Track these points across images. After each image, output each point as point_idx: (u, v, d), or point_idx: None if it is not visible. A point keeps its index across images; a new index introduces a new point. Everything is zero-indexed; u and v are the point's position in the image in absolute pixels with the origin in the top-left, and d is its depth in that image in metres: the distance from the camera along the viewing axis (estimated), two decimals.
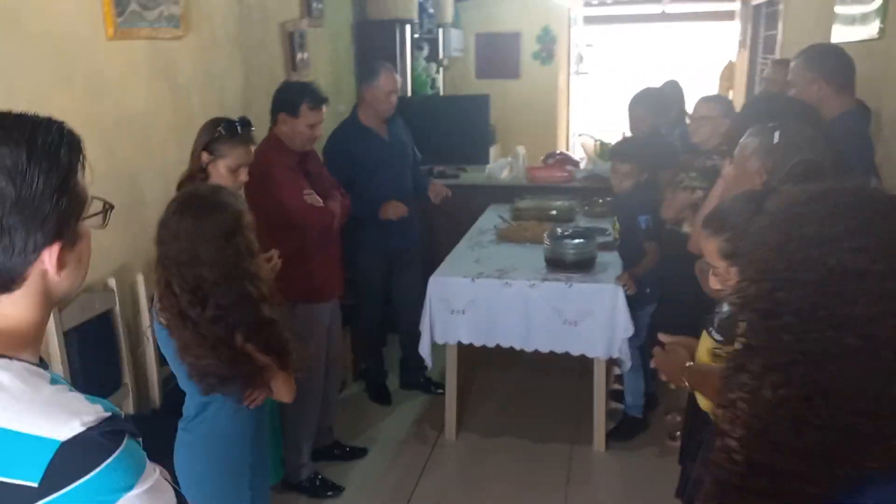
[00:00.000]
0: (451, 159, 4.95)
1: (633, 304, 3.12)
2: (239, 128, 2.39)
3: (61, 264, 0.90)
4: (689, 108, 4.00)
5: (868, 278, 0.72)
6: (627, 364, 3.10)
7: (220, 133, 2.38)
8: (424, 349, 3.25)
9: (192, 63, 3.06)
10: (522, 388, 3.94)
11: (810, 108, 2.13)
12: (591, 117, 9.00)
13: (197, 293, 1.74)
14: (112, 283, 2.62)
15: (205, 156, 2.35)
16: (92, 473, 0.80)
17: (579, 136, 8.16)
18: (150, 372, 2.80)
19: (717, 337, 1.68)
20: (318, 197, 2.87)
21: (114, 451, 0.82)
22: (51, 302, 0.93)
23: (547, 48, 7.27)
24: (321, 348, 3.00)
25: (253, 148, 2.47)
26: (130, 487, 0.83)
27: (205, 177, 2.36)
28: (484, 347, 3.30)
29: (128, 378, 2.68)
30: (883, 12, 3.08)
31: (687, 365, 1.73)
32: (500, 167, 4.81)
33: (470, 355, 3.48)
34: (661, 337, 1.88)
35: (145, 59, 2.77)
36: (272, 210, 2.82)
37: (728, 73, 7.85)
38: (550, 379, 3.97)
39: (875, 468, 0.74)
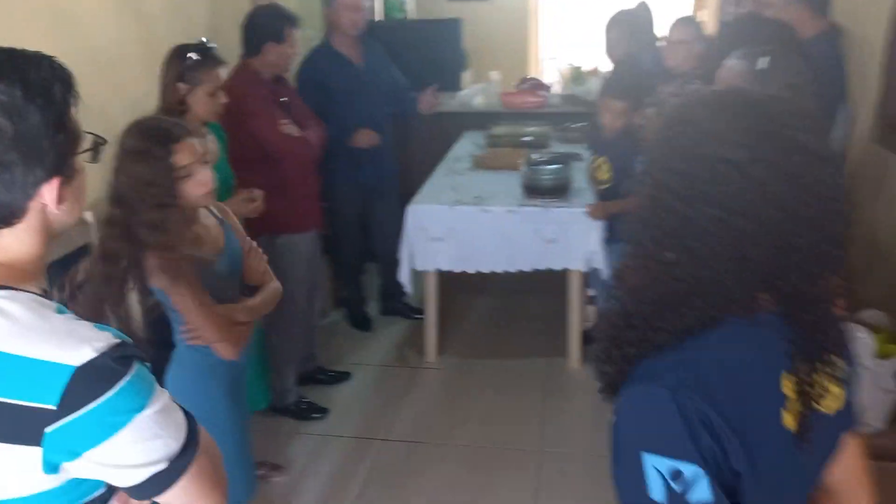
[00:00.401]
0: (422, 86, 4.88)
1: (606, 238, 3.12)
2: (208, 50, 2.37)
3: (60, 199, 0.93)
4: (658, 31, 4.01)
5: (736, 165, 0.86)
6: (605, 272, 3.14)
7: (192, 59, 2.35)
8: (404, 276, 3.31)
9: None
10: (499, 311, 4.05)
11: (791, 30, 2.15)
12: (562, 41, 8.88)
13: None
14: (88, 216, 2.61)
15: (182, 87, 2.33)
16: (106, 396, 0.86)
17: (551, 60, 8.09)
18: (131, 301, 2.82)
19: None
20: (294, 127, 2.86)
21: (125, 375, 0.88)
22: (51, 235, 0.97)
23: None
24: (304, 278, 3.05)
25: (223, 69, 2.45)
26: (142, 408, 0.89)
27: (184, 108, 2.35)
28: (462, 274, 3.37)
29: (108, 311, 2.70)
30: None
31: None
32: (473, 93, 4.78)
33: (448, 281, 3.55)
34: None
35: None
36: (248, 143, 2.82)
37: None
38: (526, 301, 4.08)
39: (733, 313, 0.91)
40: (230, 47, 3.41)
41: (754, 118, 0.88)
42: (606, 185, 3.09)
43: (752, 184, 0.85)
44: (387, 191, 3.84)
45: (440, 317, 3.56)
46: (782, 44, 2.06)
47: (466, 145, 4.23)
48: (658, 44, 3.90)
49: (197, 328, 1.83)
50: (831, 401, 0.98)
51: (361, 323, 3.95)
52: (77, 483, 0.91)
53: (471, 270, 3.28)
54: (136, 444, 0.89)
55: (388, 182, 3.82)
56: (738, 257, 0.87)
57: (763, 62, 1.77)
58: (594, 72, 5.28)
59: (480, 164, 3.76)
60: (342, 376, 3.46)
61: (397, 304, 4.03)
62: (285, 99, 2.93)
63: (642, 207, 0.96)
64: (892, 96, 2.63)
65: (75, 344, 0.86)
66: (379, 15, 5.15)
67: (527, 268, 3.22)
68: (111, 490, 0.96)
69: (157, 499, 0.94)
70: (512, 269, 3.24)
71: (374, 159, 3.65)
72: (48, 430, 0.84)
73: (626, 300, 0.98)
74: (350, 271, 3.95)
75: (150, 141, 1.71)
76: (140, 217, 1.68)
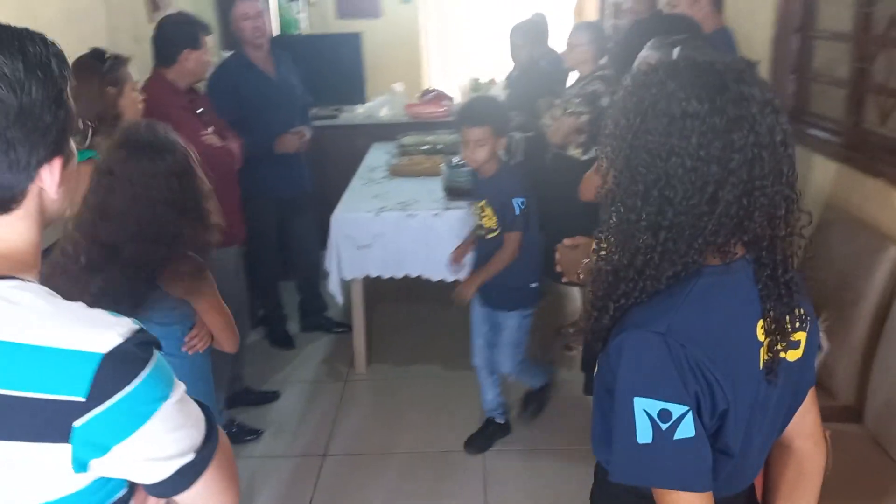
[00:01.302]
0: (325, 100, 4.85)
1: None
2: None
3: (60, 181, 0.88)
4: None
5: (699, 118, 0.95)
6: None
7: (112, 60, 2.26)
8: (334, 286, 3.26)
9: (48, 5, 2.81)
10: (425, 319, 4.06)
11: (696, 24, 2.31)
12: (448, 56, 9.07)
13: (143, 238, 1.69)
14: None
15: (112, 91, 2.22)
16: (133, 384, 0.81)
17: (437, 72, 8.25)
18: None
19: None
20: (215, 137, 2.77)
21: (148, 362, 0.83)
22: (45, 223, 0.90)
23: None
24: (232, 295, 2.93)
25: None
26: (166, 397, 0.84)
27: (117, 113, 2.24)
28: (383, 283, 3.37)
29: None
30: None
31: (584, 262, 1.90)
32: (378, 105, 4.80)
33: (369, 292, 3.52)
34: (566, 241, 2.03)
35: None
36: None
37: (579, 7, 8.17)
38: (452, 308, 4.09)
39: (711, 264, 1.01)
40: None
41: (707, 76, 0.98)
42: (494, 234, 2.70)
43: (716, 133, 0.95)
44: (303, 205, 3.78)
45: (365, 328, 3.52)
46: (689, 34, 2.21)
47: (378, 155, 4.24)
48: (556, 48, 4.11)
49: (219, 330, 1.89)
50: (794, 349, 1.09)
51: (283, 341, 3.85)
52: (103, 483, 0.85)
53: (399, 275, 3.28)
54: (165, 435, 0.84)
55: (304, 196, 3.77)
56: (711, 200, 0.96)
57: (675, 52, 1.89)
58: (492, 82, 5.44)
59: (397, 171, 3.78)
60: (271, 396, 3.35)
61: (318, 318, 3.96)
62: (202, 109, 2.84)
63: (615, 170, 1.04)
64: (780, 92, 2.87)
65: (100, 330, 0.81)
66: (275, 31, 5.08)
67: (449, 277, 3.22)
68: (131, 490, 0.90)
69: (181, 496, 0.89)
70: (434, 277, 3.25)
71: (291, 176, 3.59)
72: (77, 423, 0.78)
73: (614, 258, 1.06)
74: (268, 288, 3.84)
75: (166, 149, 1.72)
76: (176, 222, 1.71)
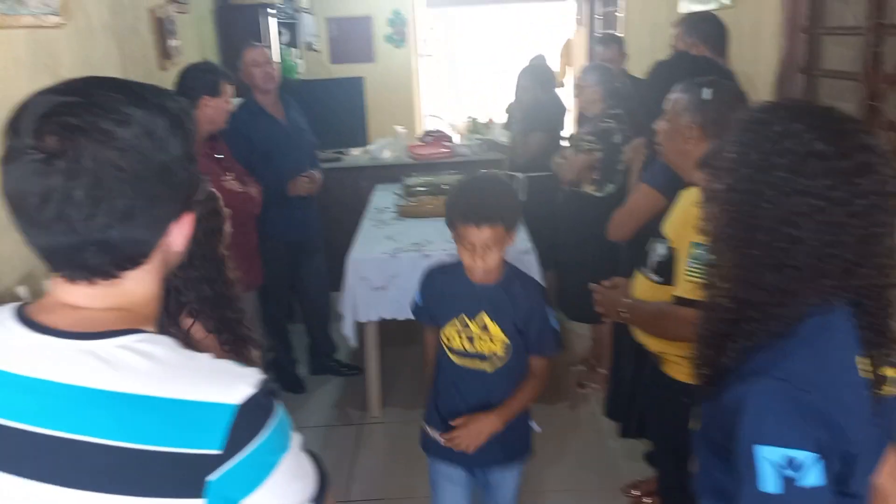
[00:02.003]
0: (328, 143, 4.90)
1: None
2: None
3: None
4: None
5: (826, 159, 0.96)
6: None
7: None
8: (348, 329, 3.25)
9: (72, 53, 2.84)
10: None
11: (717, 63, 2.37)
12: (439, 98, 9.21)
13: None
14: (21, 291, 2.40)
15: None
16: (264, 434, 0.81)
17: (430, 116, 8.37)
18: None
19: (655, 278, 1.87)
20: (236, 182, 2.79)
21: (273, 411, 0.83)
22: (165, 275, 0.91)
23: (398, 31, 7.36)
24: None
25: None
26: (288, 447, 0.84)
27: None
28: (393, 324, 3.37)
29: None
30: None
31: (626, 301, 1.92)
32: (380, 147, 4.85)
33: (381, 333, 3.51)
34: (604, 283, 2.05)
35: (27, 49, 2.54)
36: None
37: (566, 52, 8.36)
38: None
39: (817, 303, 1.01)
40: None
41: (830, 121, 1.00)
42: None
43: (842, 176, 0.96)
44: (313, 248, 3.79)
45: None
46: (714, 74, 2.27)
47: (384, 197, 4.27)
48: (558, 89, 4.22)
49: None
50: (890, 385, 1.09)
51: (293, 385, 3.82)
52: None
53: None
54: (288, 486, 0.84)
55: (314, 239, 3.78)
56: (834, 243, 0.97)
57: (707, 93, 1.94)
58: (490, 123, 5.52)
59: (406, 212, 3.81)
60: None
61: (327, 361, 3.94)
62: (221, 156, 2.86)
63: (729, 205, 1.04)
64: None
65: (231, 381, 0.81)
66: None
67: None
68: None
69: None
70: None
71: (302, 219, 3.61)
72: (211, 477, 0.78)
73: (733, 297, 1.04)
74: (279, 332, 3.82)
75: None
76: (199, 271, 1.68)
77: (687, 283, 1.68)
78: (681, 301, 1.73)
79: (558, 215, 3.73)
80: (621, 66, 3.74)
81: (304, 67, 6.20)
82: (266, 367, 3.87)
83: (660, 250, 1.88)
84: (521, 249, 3.22)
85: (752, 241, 1.01)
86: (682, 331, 1.70)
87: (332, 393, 3.79)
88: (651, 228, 2.40)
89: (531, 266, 3.20)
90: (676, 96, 1.97)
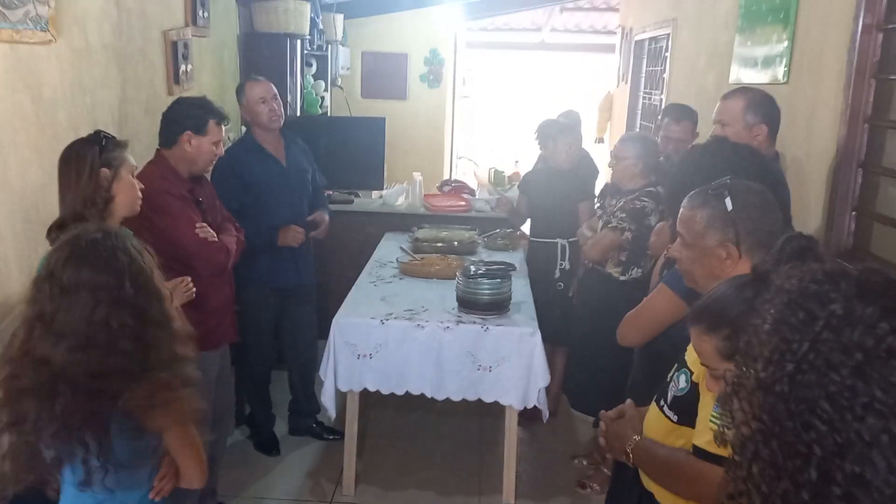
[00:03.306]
0: (342, 184, 4.67)
1: None
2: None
3: None
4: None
5: None
6: (545, 414, 2.97)
7: (109, 140, 2.06)
8: (327, 398, 2.96)
9: (60, 73, 2.63)
10: (423, 432, 3.72)
11: (756, 154, 2.07)
12: (472, 142, 9.00)
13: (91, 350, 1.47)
14: None
15: (106, 172, 2.00)
16: None
17: (459, 158, 8.14)
18: None
19: (673, 416, 1.55)
20: (211, 231, 2.54)
21: None
22: None
23: (435, 71, 7.16)
24: (209, 404, 2.65)
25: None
26: None
27: (109, 197, 2.02)
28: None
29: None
30: (788, 56, 3.17)
31: (634, 439, 1.60)
32: (395, 194, 4.60)
33: (363, 396, 3.21)
34: (609, 413, 1.74)
35: (4, 67, 2.33)
36: (159, 245, 2.45)
37: (607, 105, 8.10)
38: (453, 422, 3.78)
39: None
40: (139, 137, 3.09)
41: None
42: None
43: None
44: (304, 297, 3.52)
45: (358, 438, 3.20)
46: (744, 170, 1.97)
47: (390, 248, 4.00)
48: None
49: (187, 465, 1.66)
50: None
51: (268, 445, 3.51)
52: None
53: (400, 392, 2.98)
54: None
55: (305, 288, 3.51)
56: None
57: (729, 203, 1.63)
58: (516, 176, 5.25)
59: (408, 271, 3.52)
60: None
61: (308, 422, 3.64)
62: (201, 199, 2.62)
63: (766, 414, 0.74)
64: (837, 230, 2.62)
65: None
66: (298, 111, 4.94)
67: (457, 397, 2.95)
68: None
69: None
70: (439, 397, 2.96)
71: (294, 265, 3.35)
72: None
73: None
74: (258, 385, 3.54)
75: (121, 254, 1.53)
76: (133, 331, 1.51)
77: (710, 432, 1.36)
78: (701, 453, 1.41)
79: (569, 289, 3.42)
80: (687, 145, 3.28)
81: (331, 101, 6.00)
82: (240, 421, 3.60)
83: (681, 382, 1.57)
84: (526, 331, 2.91)
85: (796, 475, 0.71)
86: (700, 489, 1.39)
87: (308, 459, 3.48)
88: (673, 337, 2.09)
89: (534, 351, 2.89)
90: (689, 213, 1.67)
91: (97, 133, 2.07)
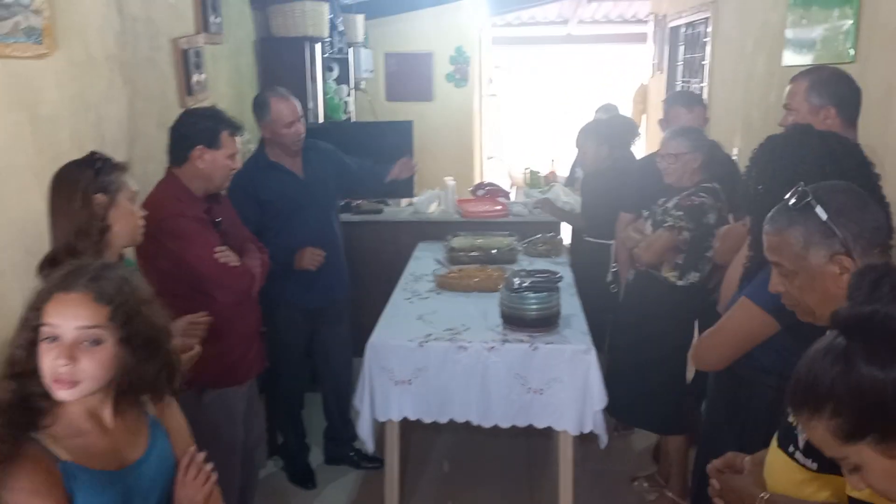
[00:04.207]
0: (370, 193, 4.41)
1: None
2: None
3: None
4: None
5: None
6: (604, 440, 2.69)
7: (105, 162, 1.82)
8: (365, 430, 2.70)
9: (59, 87, 2.41)
10: (468, 454, 3.46)
11: (851, 144, 1.78)
12: (502, 142, 8.71)
13: None
14: None
15: (100, 198, 1.77)
16: None
17: (489, 159, 7.86)
18: None
19: (811, 465, 1.26)
20: (232, 254, 2.30)
21: None
22: None
23: (461, 69, 6.90)
24: (235, 443, 2.42)
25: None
26: None
27: (104, 227, 1.78)
28: None
29: None
30: (854, 33, 2.85)
31: (763, 497, 1.31)
32: (427, 201, 4.34)
33: (402, 428, 2.95)
34: (714, 465, 1.46)
35: None
36: (175, 272, 2.24)
37: (640, 96, 7.76)
38: (500, 443, 3.51)
39: None
40: (151, 153, 2.88)
41: None
42: None
43: None
44: (336, 316, 3.28)
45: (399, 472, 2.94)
46: (836, 162, 1.69)
47: (424, 260, 3.74)
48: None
49: None
50: None
51: (302, 478, 3.28)
52: None
53: (443, 420, 2.72)
54: None
55: (338, 306, 3.27)
56: None
57: (821, 212, 1.35)
58: (552, 175, 4.96)
59: (445, 285, 3.26)
60: None
61: (346, 450, 3.40)
62: (220, 220, 2.38)
63: None
64: None
65: None
66: (320, 117, 4.70)
67: (506, 423, 2.68)
68: None
69: None
70: (486, 424, 2.69)
71: (325, 284, 3.11)
72: None
73: None
74: (290, 413, 3.30)
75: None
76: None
77: None
78: None
79: (626, 297, 3.13)
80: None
81: (354, 106, 5.77)
82: (273, 451, 3.37)
83: None
84: (579, 348, 2.63)
85: None
86: None
87: (347, 490, 3.24)
88: (759, 359, 1.80)
89: (589, 370, 2.61)
90: (782, 237, 1.39)
91: (91, 155, 1.84)
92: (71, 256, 1.68)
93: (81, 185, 1.74)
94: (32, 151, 2.27)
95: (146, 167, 2.81)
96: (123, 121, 2.85)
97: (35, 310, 1.29)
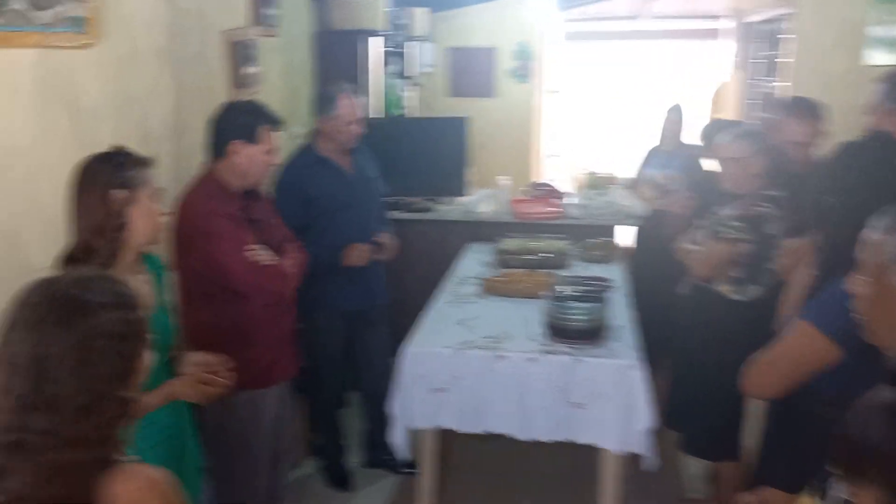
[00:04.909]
0: (420, 190, 4.35)
1: None
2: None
3: None
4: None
5: None
6: (651, 462, 2.53)
7: (125, 157, 1.76)
8: (398, 436, 2.62)
9: (101, 80, 2.41)
10: (509, 465, 3.34)
11: None
12: (564, 140, 8.50)
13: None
14: None
15: (119, 194, 1.71)
16: None
17: (549, 157, 7.66)
18: None
19: None
20: (265, 254, 2.24)
21: None
22: None
23: (524, 65, 6.74)
24: (266, 444, 2.37)
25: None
26: None
27: (120, 224, 1.72)
28: None
29: None
30: None
31: None
32: (479, 200, 4.22)
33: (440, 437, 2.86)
34: (746, 500, 1.32)
35: (32, 75, 2.11)
36: (204, 272, 2.19)
37: (718, 98, 7.42)
38: (542, 452, 3.36)
39: None
40: (199, 149, 2.86)
41: None
42: None
43: None
44: (376, 318, 3.21)
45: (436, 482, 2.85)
46: None
47: (472, 262, 3.62)
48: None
49: None
50: None
51: (339, 479, 3.22)
52: None
53: (479, 431, 2.61)
54: None
55: (377, 308, 3.20)
56: None
57: None
58: (611, 178, 4.78)
59: (491, 290, 3.14)
60: None
61: (383, 454, 3.32)
62: (257, 218, 2.32)
63: None
64: None
65: None
66: (377, 112, 4.64)
67: (545, 437, 2.55)
68: None
69: None
70: (524, 437, 2.57)
71: (362, 281, 3.04)
72: None
73: None
74: (328, 414, 3.25)
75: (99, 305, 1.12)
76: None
77: None
78: None
79: (677, 307, 2.94)
80: (809, 148, 2.67)
81: (414, 101, 5.69)
82: (310, 451, 3.32)
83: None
84: (626, 363, 2.47)
85: None
86: None
87: (383, 495, 3.17)
88: (819, 392, 1.63)
89: (635, 387, 2.45)
90: (881, 239, 1.22)
91: (114, 149, 1.79)
92: (87, 254, 1.64)
93: (100, 179, 1.69)
94: (72, 147, 2.25)
95: (192, 162, 2.79)
96: (169, 115, 2.84)
97: None
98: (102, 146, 2.33)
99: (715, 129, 3.18)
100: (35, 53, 2.10)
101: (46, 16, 2.10)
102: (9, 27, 1.98)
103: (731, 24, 6.59)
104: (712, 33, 7.63)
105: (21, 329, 1.09)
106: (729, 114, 6.78)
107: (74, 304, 1.10)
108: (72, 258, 1.65)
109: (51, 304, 1.10)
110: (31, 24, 2.05)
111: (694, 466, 3.24)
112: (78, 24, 2.24)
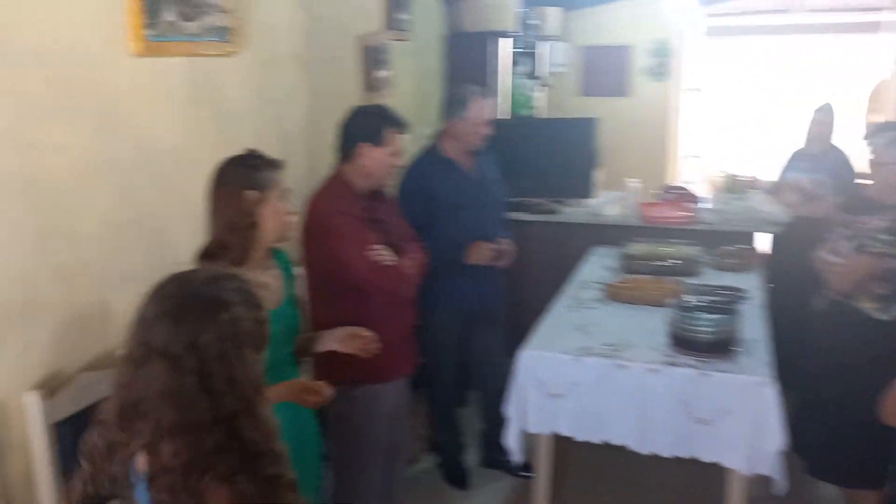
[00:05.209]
0: (547, 191, 4.30)
1: None
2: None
3: None
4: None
5: None
6: (782, 486, 2.37)
7: (259, 159, 1.87)
8: (512, 440, 2.62)
9: (243, 84, 2.57)
10: (629, 477, 3.24)
11: None
12: (704, 140, 8.12)
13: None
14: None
15: (252, 195, 1.82)
16: None
17: (685, 158, 7.35)
18: None
19: None
20: (387, 254, 2.30)
21: None
22: None
23: (662, 62, 6.51)
24: (382, 439, 2.44)
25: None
26: None
27: (252, 223, 1.83)
28: None
29: None
30: None
31: None
32: (606, 202, 4.13)
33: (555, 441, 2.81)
34: None
35: (182, 80, 2.28)
36: (329, 270, 2.29)
37: (876, 97, 6.85)
38: (666, 466, 3.23)
39: None
40: (329, 150, 2.98)
41: None
42: None
43: None
44: (491, 319, 3.21)
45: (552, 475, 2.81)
46: None
47: (596, 266, 3.55)
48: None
49: None
50: None
51: (456, 477, 3.26)
52: None
53: (596, 440, 2.55)
54: None
55: (493, 309, 3.20)
56: None
57: None
58: (752, 182, 4.52)
59: (614, 295, 3.06)
60: None
61: (500, 456, 3.31)
62: (381, 218, 2.39)
63: None
64: None
65: None
66: (504, 113, 4.65)
67: (666, 452, 2.46)
68: None
69: None
70: (643, 451, 2.49)
71: (479, 282, 3.05)
72: None
73: None
74: (446, 411, 3.29)
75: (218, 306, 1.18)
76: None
77: None
78: None
79: (812, 322, 2.74)
80: None
81: (543, 101, 5.65)
82: (429, 447, 3.38)
83: None
84: (756, 379, 2.33)
85: None
86: None
87: (498, 496, 3.17)
88: None
89: (766, 405, 2.31)
90: None
91: (248, 151, 1.90)
92: (222, 250, 1.75)
93: (234, 180, 1.80)
94: (216, 145, 2.41)
95: (324, 162, 2.92)
96: (304, 117, 2.98)
97: None
98: (244, 146, 2.50)
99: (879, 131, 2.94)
100: (185, 61, 2.28)
101: (195, 26, 2.26)
102: (162, 37, 2.15)
103: (894, 16, 6.05)
104: (873, 26, 7.05)
105: (168, 321, 1.15)
106: (888, 115, 6.25)
107: (211, 300, 1.17)
108: (208, 253, 1.77)
109: (189, 299, 1.17)
110: (181, 34, 2.22)
111: (826, 492, 3.01)
112: (223, 33, 2.40)
